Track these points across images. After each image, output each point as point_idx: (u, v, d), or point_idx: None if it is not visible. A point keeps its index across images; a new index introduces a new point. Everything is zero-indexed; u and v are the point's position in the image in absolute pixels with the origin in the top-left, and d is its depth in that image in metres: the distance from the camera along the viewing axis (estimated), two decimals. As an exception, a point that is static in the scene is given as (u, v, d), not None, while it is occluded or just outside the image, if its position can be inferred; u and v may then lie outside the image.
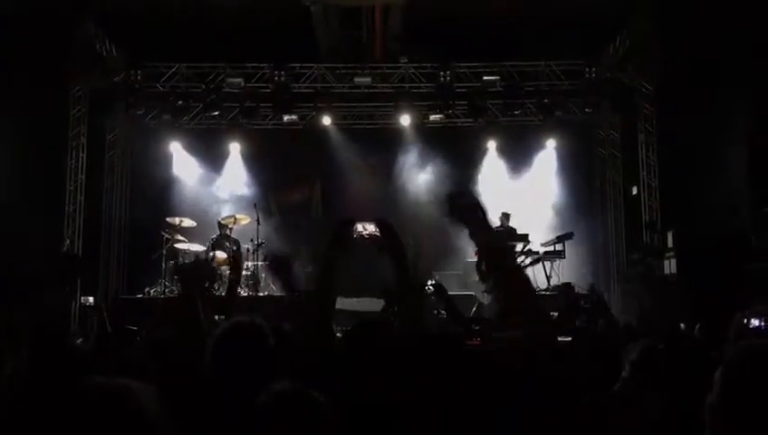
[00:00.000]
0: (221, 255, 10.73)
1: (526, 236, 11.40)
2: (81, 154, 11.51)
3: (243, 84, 11.95)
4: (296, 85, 12.14)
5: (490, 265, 2.31)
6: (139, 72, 11.94)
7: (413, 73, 12.24)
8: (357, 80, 12.08)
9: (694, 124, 9.99)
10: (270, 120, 12.75)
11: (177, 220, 11.24)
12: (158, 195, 12.44)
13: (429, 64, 12.17)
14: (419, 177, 12.99)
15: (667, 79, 10.84)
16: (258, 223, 11.17)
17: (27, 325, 3.71)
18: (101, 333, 7.60)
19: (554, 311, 7.40)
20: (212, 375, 2.28)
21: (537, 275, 10.81)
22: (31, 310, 7.68)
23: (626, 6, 11.09)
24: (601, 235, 12.79)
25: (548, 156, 13.33)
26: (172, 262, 10.98)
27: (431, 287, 4.94)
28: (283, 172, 12.93)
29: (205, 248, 11.04)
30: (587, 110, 12.37)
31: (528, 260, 10.98)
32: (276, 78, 11.92)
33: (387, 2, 11.13)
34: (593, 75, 12.08)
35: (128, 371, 3.01)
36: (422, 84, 12.27)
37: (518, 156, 13.31)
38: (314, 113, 12.57)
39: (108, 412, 1.34)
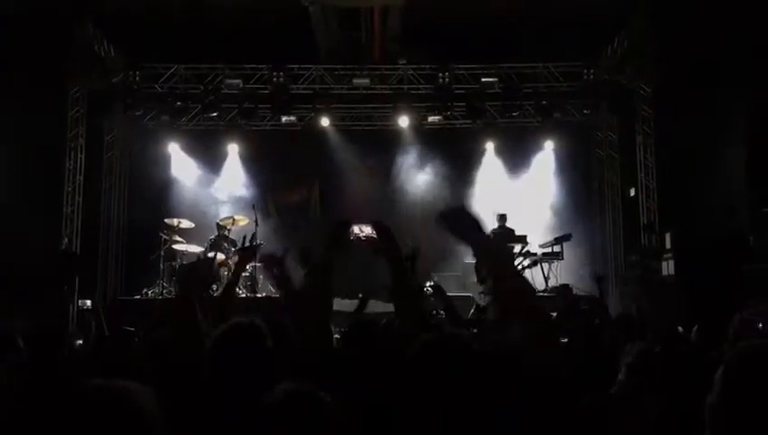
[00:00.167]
0: (219, 256, 10.69)
1: (525, 237, 11.38)
2: (79, 155, 11.46)
3: (241, 85, 11.96)
4: (295, 86, 12.14)
5: (490, 272, 2.31)
6: (137, 72, 11.95)
7: (411, 75, 12.24)
8: (355, 81, 12.09)
9: (692, 125, 10.00)
10: (268, 121, 12.73)
11: (175, 221, 11.24)
12: (156, 196, 12.44)
13: (428, 66, 12.18)
14: (418, 178, 13.02)
15: (665, 80, 10.85)
16: (257, 224, 11.14)
17: (26, 327, 3.70)
18: (99, 335, 7.58)
19: (552, 312, 7.38)
20: (210, 376, 2.28)
21: (535, 277, 10.83)
22: (30, 311, 7.65)
23: (624, 7, 11.11)
24: (599, 236, 12.80)
25: (546, 157, 13.33)
26: (172, 263, 10.96)
27: (430, 288, 4.95)
28: (282, 173, 12.94)
29: (203, 249, 11.02)
30: (585, 111, 12.39)
31: (526, 262, 10.99)
32: (275, 79, 11.93)
33: (386, 3, 11.15)
34: (591, 77, 12.11)
35: (126, 372, 2.99)
36: (421, 86, 12.27)
37: (516, 157, 13.31)
38: (313, 114, 12.57)
39: (106, 414, 1.34)
